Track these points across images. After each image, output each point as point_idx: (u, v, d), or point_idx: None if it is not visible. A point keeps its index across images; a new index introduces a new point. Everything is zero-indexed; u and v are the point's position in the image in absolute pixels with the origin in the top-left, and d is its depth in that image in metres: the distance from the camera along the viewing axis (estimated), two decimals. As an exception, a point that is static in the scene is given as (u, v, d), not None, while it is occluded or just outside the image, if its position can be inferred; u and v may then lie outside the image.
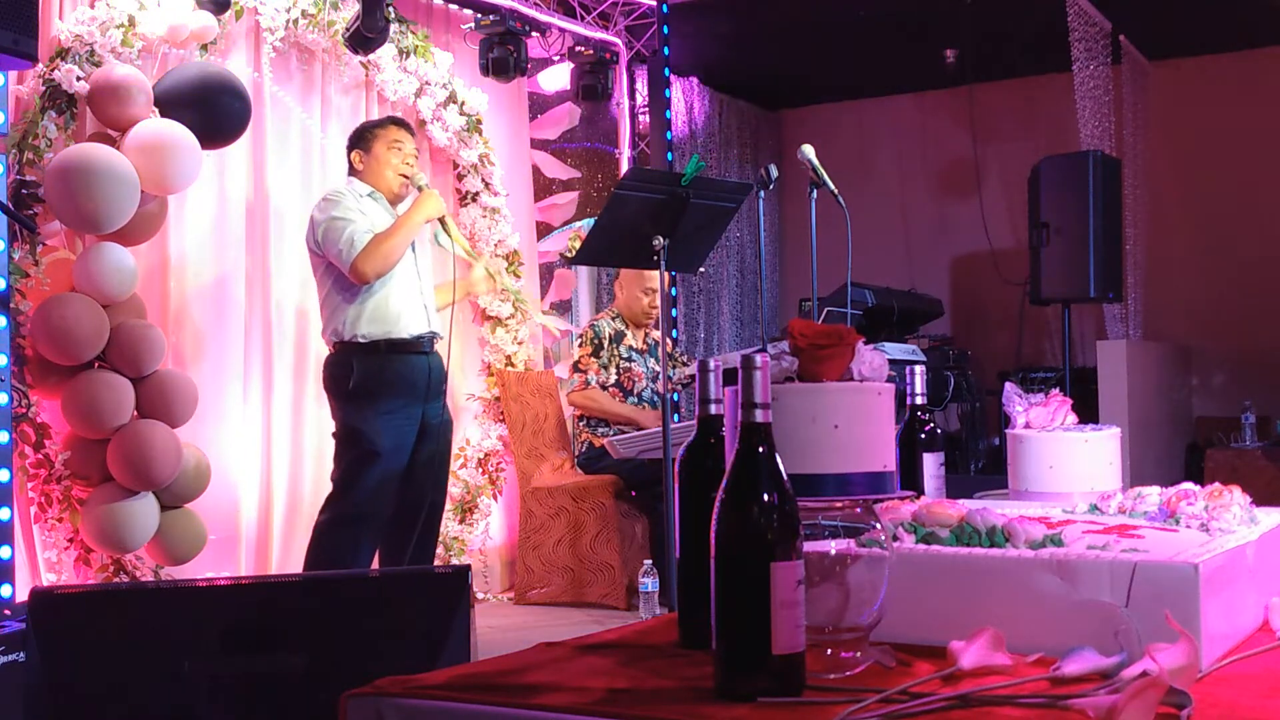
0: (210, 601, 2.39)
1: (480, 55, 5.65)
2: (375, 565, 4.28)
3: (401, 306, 4.18)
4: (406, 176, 4.30)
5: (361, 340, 4.14)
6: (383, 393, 4.16)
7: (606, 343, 5.40)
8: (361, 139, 4.36)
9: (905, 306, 7.34)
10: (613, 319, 5.49)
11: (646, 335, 5.57)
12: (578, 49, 6.22)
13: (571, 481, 5.33)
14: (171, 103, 4.10)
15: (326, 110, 5.15)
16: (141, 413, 4.04)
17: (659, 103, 6.51)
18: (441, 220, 4.27)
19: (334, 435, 4.29)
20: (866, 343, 1.58)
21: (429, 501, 4.29)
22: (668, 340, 4.88)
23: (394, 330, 4.17)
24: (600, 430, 5.34)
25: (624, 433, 5.15)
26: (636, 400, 5.39)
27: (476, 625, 2.44)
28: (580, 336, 5.53)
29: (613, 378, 5.38)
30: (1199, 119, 7.59)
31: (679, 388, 5.60)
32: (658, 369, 5.49)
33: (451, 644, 2.26)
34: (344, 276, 4.12)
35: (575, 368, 5.42)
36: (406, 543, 4.24)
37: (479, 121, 5.59)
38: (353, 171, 4.35)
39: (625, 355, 5.42)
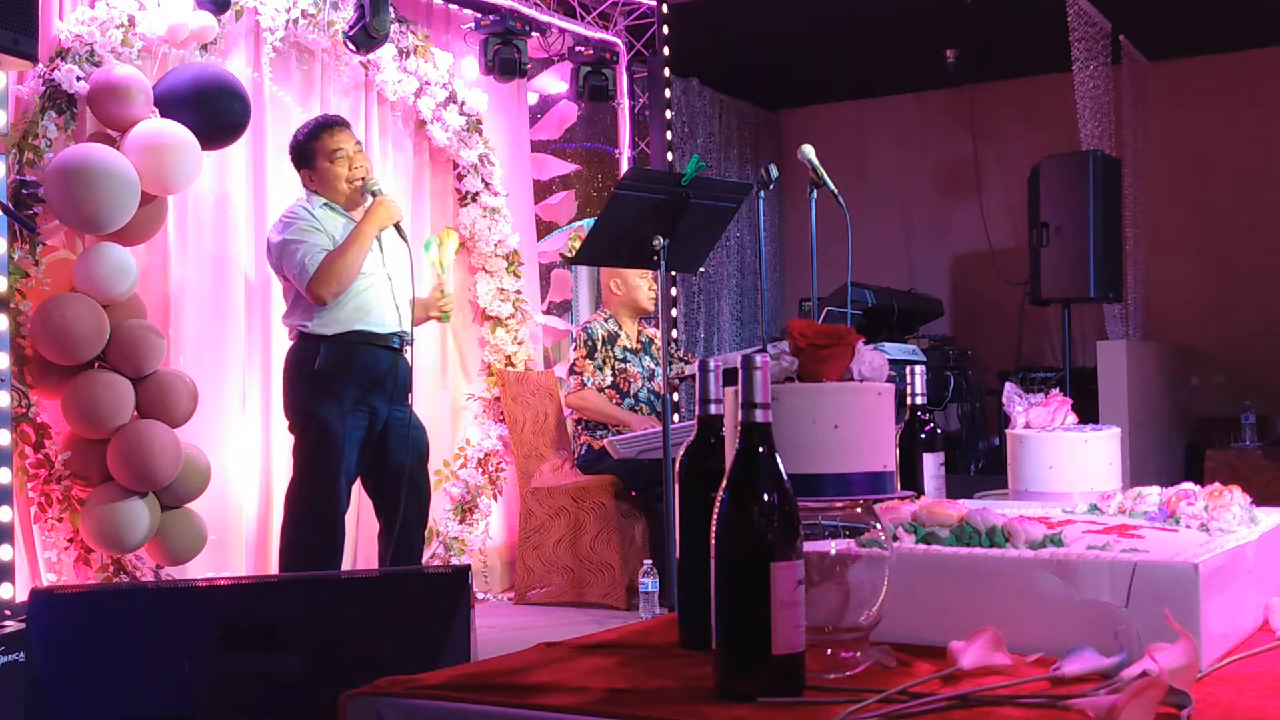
0: (210, 601, 2.40)
1: (483, 55, 5.65)
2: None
3: (372, 304, 4.15)
4: (358, 181, 4.19)
5: (331, 334, 4.10)
6: (346, 380, 4.10)
7: (600, 345, 5.40)
8: (302, 158, 4.24)
9: (905, 306, 7.34)
10: (605, 320, 5.49)
11: (640, 333, 5.57)
12: (578, 49, 6.22)
13: (571, 481, 5.33)
14: (171, 103, 4.09)
15: (326, 110, 5.13)
16: (141, 413, 4.04)
17: (659, 103, 6.51)
18: (397, 226, 4.16)
19: (289, 427, 4.21)
20: (866, 343, 1.58)
21: (405, 513, 4.23)
22: (667, 339, 4.87)
23: (366, 324, 4.13)
24: (599, 433, 5.34)
25: (622, 433, 5.15)
26: (633, 402, 5.39)
27: (476, 625, 2.44)
28: (574, 339, 5.54)
29: (609, 379, 5.38)
30: (1199, 119, 7.60)
31: (676, 383, 5.60)
32: (653, 367, 5.49)
33: (451, 644, 2.26)
34: None
35: (571, 370, 5.43)
36: (385, 553, 4.22)
37: (479, 121, 5.59)
38: (307, 186, 4.27)
39: (620, 357, 5.43)
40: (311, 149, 4.22)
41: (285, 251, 4.08)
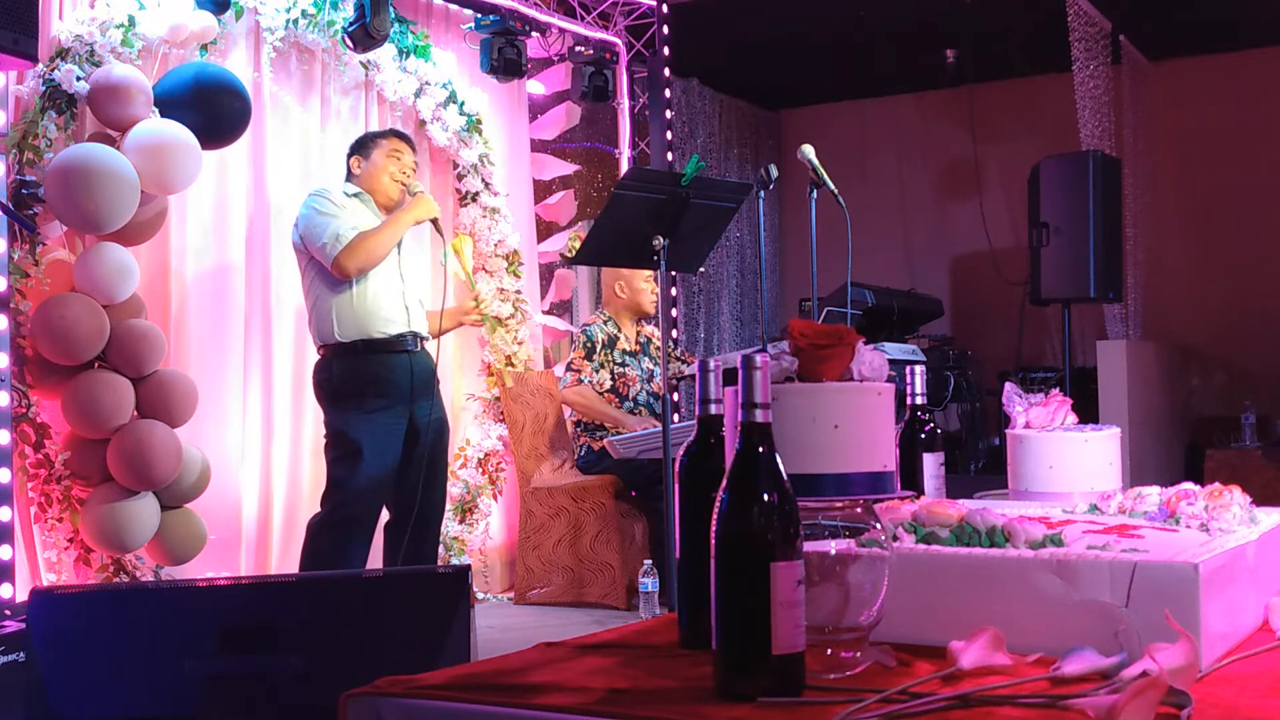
0: (210, 601, 2.40)
1: (489, 55, 5.64)
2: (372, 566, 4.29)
3: (380, 306, 4.19)
4: (403, 184, 4.32)
5: (342, 341, 4.16)
6: (364, 393, 4.17)
7: (599, 347, 5.40)
8: (362, 146, 4.40)
9: (905, 306, 7.34)
10: (604, 322, 5.49)
11: (639, 334, 5.57)
12: (578, 49, 6.22)
13: (571, 481, 5.33)
14: (171, 103, 4.09)
15: (326, 110, 5.14)
16: (141, 413, 4.04)
17: (659, 103, 6.51)
18: (434, 221, 4.28)
19: (324, 437, 4.30)
20: (866, 343, 1.58)
21: (421, 503, 4.27)
22: (667, 339, 4.87)
23: (371, 330, 4.17)
24: (599, 433, 5.34)
25: (622, 433, 5.15)
26: (632, 405, 5.38)
27: (476, 625, 2.44)
28: (574, 340, 5.54)
29: (607, 382, 5.37)
30: (1199, 119, 7.59)
31: (675, 382, 5.59)
32: (651, 368, 5.49)
33: (451, 644, 2.26)
34: (325, 274, 4.15)
35: (568, 367, 5.43)
36: (400, 545, 4.25)
37: (479, 121, 5.59)
38: (350, 177, 4.39)
39: (619, 360, 5.42)
40: (375, 142, 4.39)
41: (315, 222, 4.15)
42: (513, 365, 5.64)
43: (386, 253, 4.16)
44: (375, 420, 4.17)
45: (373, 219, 4.25)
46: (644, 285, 5.46)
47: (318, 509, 4.29)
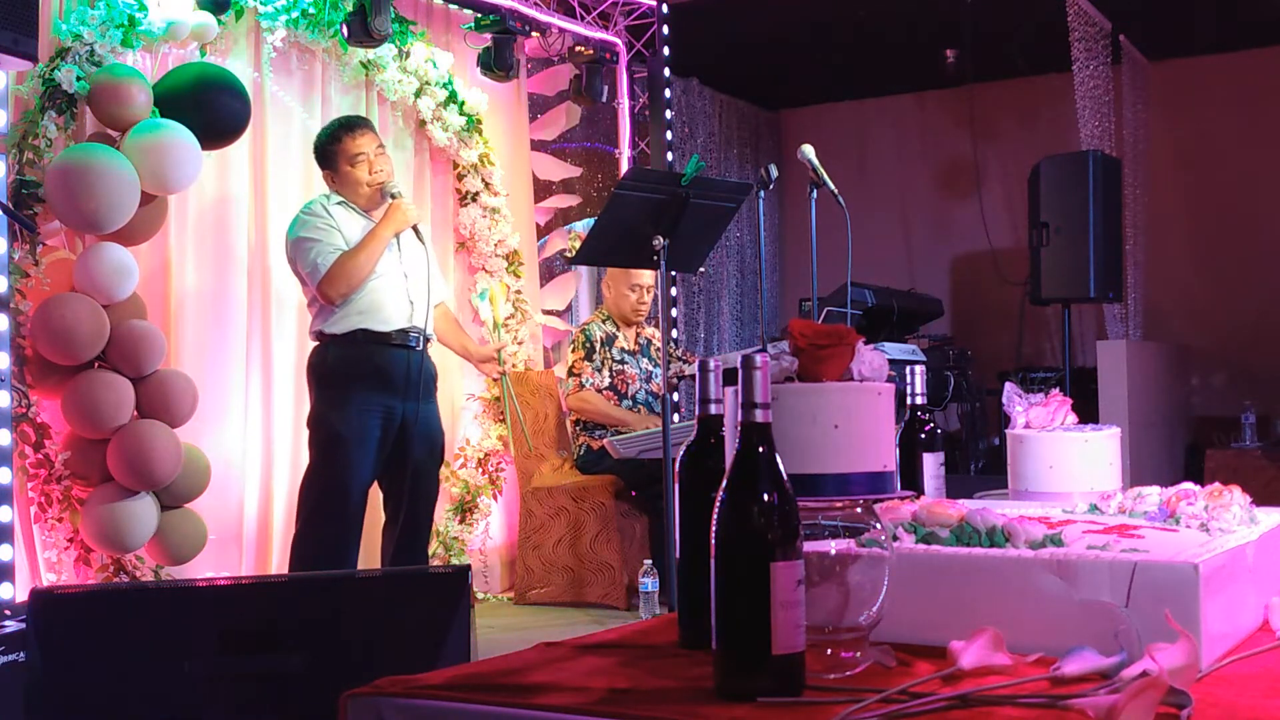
0: (210, 601, 2.40)
1: (488, 55, 5.63)
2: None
3: (383, 301, 4.16)
4: (378, 184, 4.23)
5: (340, 332, 4.13)
6: (355, 382, 4.12)
7: (598, 345, 5.39)
8: (325, 159, 4.28)
9: (905, 306, 7.34)
10: (603, 321, 5.48)
11: (638, 335, 5.56)
12: (578, 49, 6.22)
13: (571, 481, 5.33)
14: (171, 103, 4.09)
15: (326, 110, 5.13)
16: (141, 413, 4.04)
17: (659, 103, 6.51)
18: (415, 229, 4.22)
19: (307, 425, 4.26)
20: (866, 343, 1.58)
21: (405, 508, 4.25)
22: (667, 339, 4.86)
23: (372, 323, 4.14)
24: (598, 433, 5.33)
25: (622, 433, 5.15)
26: (631, 404, 5.38)
27: (476, 625, 2.44)
28: (573, 340, 5.53)
29: (606, 380, 5.37)
30: (1199, 119, 7.59)
31: (676, 382, 5.59)
32: (650, 369, 5.49)
33: (451, 644, 2.27)
34: None
35: (570, 372, 5.42)
36: (389, 548, 4.25)
37: (479, 121, 5.59)
38: (330, 185, 4.32)
39: (617, 358, 5.41)
40: (333, 151, 4.25)
41: (300, 249, 4.13)
42: (513, 365, 5.64)
43: (369, 271, 4.09)
44: (362, 410, 4.12)
45: (363, 222, 4.21)
46: (628, 293, 5.41)
47: (298, 500, 4.25)
